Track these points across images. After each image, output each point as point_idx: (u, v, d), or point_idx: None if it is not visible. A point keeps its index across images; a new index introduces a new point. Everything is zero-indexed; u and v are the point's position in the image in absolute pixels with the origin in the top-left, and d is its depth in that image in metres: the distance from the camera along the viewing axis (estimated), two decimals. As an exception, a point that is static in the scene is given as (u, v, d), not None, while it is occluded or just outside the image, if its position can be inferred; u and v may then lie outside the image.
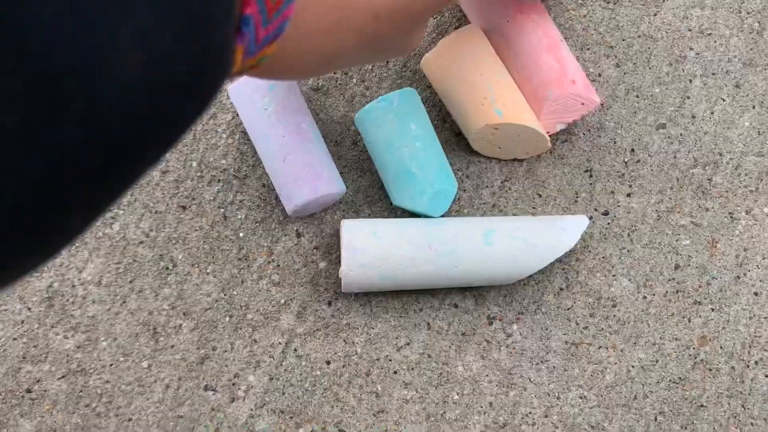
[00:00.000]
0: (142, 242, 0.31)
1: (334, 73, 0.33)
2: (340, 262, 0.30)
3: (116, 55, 0.12)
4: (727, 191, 0.32)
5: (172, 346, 0.31)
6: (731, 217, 0.32)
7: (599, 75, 0.33)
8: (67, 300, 0.31)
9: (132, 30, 0.12)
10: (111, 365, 0.30)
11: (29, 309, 0.31)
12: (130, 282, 0.31)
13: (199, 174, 0.32)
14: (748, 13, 0.34)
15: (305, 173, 0.29)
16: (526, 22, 0.30)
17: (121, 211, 0.32)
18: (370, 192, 0.32)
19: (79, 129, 0.12)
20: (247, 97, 0.30)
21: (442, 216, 0.30)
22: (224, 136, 0.32)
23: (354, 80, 0.33)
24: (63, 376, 0.30)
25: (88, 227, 0.14)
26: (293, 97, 0.30)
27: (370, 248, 0.29)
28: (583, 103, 0.30)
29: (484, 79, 0.29)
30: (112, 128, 0.12)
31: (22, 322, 0.31)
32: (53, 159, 0.12)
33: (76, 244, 0.31)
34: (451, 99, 0.30)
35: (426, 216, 0.30)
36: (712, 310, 0.31)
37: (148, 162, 0.14)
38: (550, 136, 0.31)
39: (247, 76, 0.29)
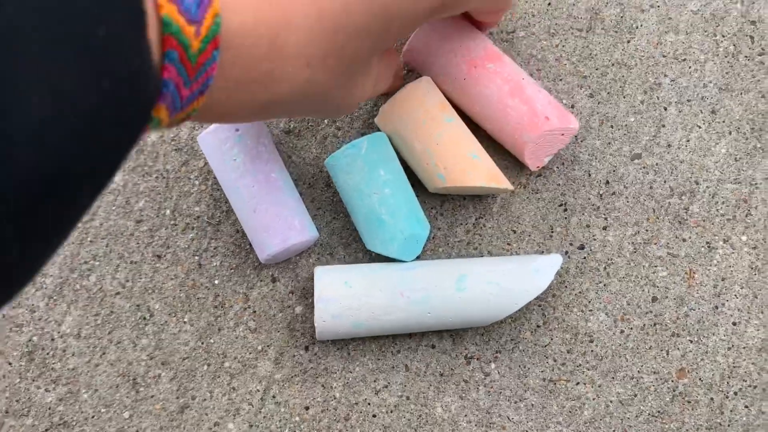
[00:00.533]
0: (118, 293, 0.32)
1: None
2: (314, 309, 0.30)
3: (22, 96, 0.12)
4: (704, 220, 0.32)
5: (152, 396, 0.31)
6: (709, 247, 0.32)
7: (572, 106, 0.33)
8: (48, 353, 0.31)
9: (35, 71, 0.13)
10: (93, 417, 0.31)
11: (10, 363, 0.31)
12: (109, 333, 0.31)
13: (173, 222, 0.32)
14: (723, 36, 0.33)
15: (276, 223, 0.29)
16: (482, 74, 0.29)
17: (97, 263, 0.32)
18: (344, 234, 0.32)
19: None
20: (216, 147, 0.30)
21: (416, 258, 0.30)
22: (197, 183, 0.32)
23: (326, 121, 0.33)
24: (46, 430, 0.31)
25: (31, 271, 0.14)
26: (262, 147, 0.30)
27: (343, 299, 0.29)
28: (563, 134, 0.30)
29: (423, 144, 0.29)
30: (31, 167, 0.13)
31: (4, 376, 0.31)
32: None
33: (54, 297, 0.31)
34: (404, 157, 0.30)
35: (399, 260, 0.30)
36: (690, 341, 0.31)
37: (80, 203, 0.15)
38: (539, 168, 0.31)
39: (215, 125, 0.29)
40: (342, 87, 0.23)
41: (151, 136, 0.32)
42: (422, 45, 0.30)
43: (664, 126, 0.33)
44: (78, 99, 0.14)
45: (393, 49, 0.29)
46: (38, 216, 0.13)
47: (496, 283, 0.29)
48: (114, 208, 0.32)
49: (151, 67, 0.16)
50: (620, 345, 0.31)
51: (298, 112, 0.24)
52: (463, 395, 0.31)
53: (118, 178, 0.32)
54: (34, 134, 0.13)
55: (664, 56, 0.33)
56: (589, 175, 0.33)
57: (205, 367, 0.31)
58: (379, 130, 0.31)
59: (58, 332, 0.31)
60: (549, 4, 0.33)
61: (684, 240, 0.32)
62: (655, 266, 0.32)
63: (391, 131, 0.30)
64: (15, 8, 0.13)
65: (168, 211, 0.32)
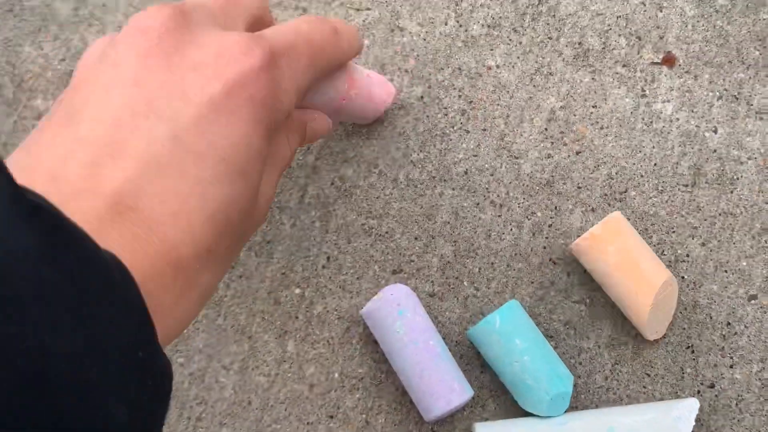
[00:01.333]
0: (299, 452, 0.36)
1: (446, 278, 0.37)
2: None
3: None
4: (824, 353, 0.35)
5: None
6: (833, 378, 0.35)
7: (687, 255, 0.37)
8: None
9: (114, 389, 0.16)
10: None
11: None
12: (293, 489, 0.36)
13: (341, 384, 0.36)
14: (819, 180, 0.37)
15: (438, 387, 0.33)
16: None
17: (278, 426, 0.36)
18: (492, 386, 0.36)
19: None
20: (379, 321, 0.34)
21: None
22: (358, 347, 0.37)
23: (465, 283, 0.37)
24: None
25: None
26: (419, 317, 0.35)
27: (506, 455, 0.32)
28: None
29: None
30: None
31: None
32: None
33: (243, 458, 0.36)
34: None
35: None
36: (828, 471, 0.34)
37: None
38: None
39: (377, 301, 0.34)
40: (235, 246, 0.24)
41: (317, 307, 0.37)
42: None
43: (774, 267, 0.36)
44: (141, 403, 0.18)
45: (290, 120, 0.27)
46: None
47: (642, 432, 0.32)
48: (289, 375, 0.37)
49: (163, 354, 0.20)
50: (760, 477, 0.34)
51: (232, 260, 0.25)
52: None
53: (291, 347, 0.37)
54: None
55: (766, 203, 0.37)
56: (711, 317, 0.36)
57: None
58: (506, 299, 0.35)
59: (249, 490, 0.36)
60: (655, 164, 0.38)
61: (808, 373, 0.35)
62: (784, 400, 0.35)
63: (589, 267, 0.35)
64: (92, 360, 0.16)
65: (336, 374, 0.37)
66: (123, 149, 0.21)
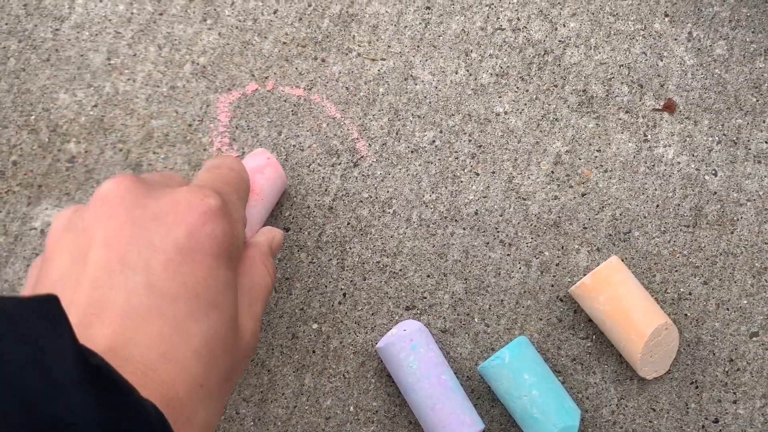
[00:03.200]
0: (315, 483, 0.37)
1: (458, 315, 0.39)
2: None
3: None
4: (825, 389, 0.36)
5: None
6: (834, 414, 0.36)
7: (690, 293, 0.38)
8: None
9: None
10: None
11: None
12: None
13: (356, 417, 0.38)
14: (816, 221, 0.38)
15: (450, 420, 0.35)
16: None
17: (296, 457, 0.37)
18: (502, 420, 0.37)
19: None
20: (393, 356, 0.36)
21: (572, 444, 0.35)
22: (373, 380, 0.38)
23: (476, 319, 0.39)
24: None
25: None
26: (432, 352, 0.36)
27: (517, 487, 0.33)
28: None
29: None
30: None
31: None
32: None
33: (262, 489, 0.37)
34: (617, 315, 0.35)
35: (559, 449, 0.35)
36: (832, 506, 0.34)
37: None
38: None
39: (391, 336, 0.35)
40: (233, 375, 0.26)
41: (333, 342, 0.39)
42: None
43: (775, 305, 0.37)
44: None
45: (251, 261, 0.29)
46: None
47: (648, 465, 0.33)
48: (306, 407, 0.38)
49: None
50: None
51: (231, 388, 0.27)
52: None
53: (308, 380, 0.38)
54: None
55: (766, 243, 0.38)
56: (713, 354, 0.37)
57: None
58: (516, 335, 0.37)
59: None
60: (657, 205, 0.39)
61: (810, 409, 0.36)
62: (787, 435, 0.36)
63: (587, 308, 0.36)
64: None
65: (351, 407, 0.38)
66: (105, 307, 0.23)
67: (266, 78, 0.43)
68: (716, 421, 0.36)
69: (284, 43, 0.43)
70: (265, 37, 0.44)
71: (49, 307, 0.18)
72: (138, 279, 0.23)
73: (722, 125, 0.40)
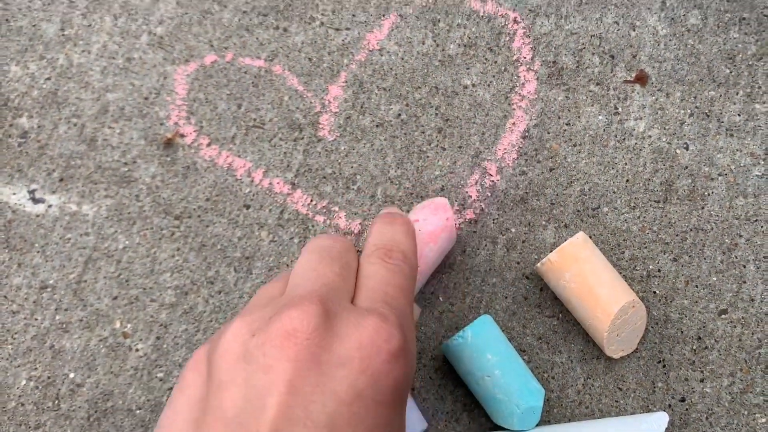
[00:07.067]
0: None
1: (422, 294, 0.38)
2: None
3: None
4: (794, 367, 0.35)
5: None
6: (802, 392, 0.35)
7: (659, 270, 0.37)
8: None
9: None
10: None
11: None
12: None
13: (317, 398, 0.37)
14: (789, 196, 0.37)
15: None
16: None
17: None
18: (466, 400, 0.36)
19: None
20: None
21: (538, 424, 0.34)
22: (335, 361, 0.37)
23: (440, 298, 0.38)
24: None
25: None
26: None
27: (478, 469, 0.33)
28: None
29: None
30: None
31: None
32: None
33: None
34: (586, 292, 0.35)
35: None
36: (797, 484, 0.34)
37: None
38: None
39: None
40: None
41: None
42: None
43: (745, 282, 0.37)
44: None
45: None
46: None
47: (612, 445, 0.33)
48: (267, 389, 0.37)
49: None
50: (730, 491, 0.34)
51: None
52: None
53: (269, 361, 0.37)
54: None
55: (736, 219, 0.37)
56: (682, 332, 0.36)
57: None
58: (481, 314, 0.36)
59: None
60: (627, 180, 0.38)
61: (778, 387, 0.35)
62: (754, 414, 0.35)
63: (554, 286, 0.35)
64: None
65: (313, 389, 0.37)
66: None
67: (225, 48, 0.41)
68: (683, 399, 0.35)
69: (244, 12, 0.42)
70: (225, 6, 0.42)
71: None
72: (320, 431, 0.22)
73: (695, 97, 0.39)
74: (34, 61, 0.41)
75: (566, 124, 0.39)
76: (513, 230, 0.38)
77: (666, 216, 0.38)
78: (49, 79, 0.41)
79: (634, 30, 0.40)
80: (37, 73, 0.41)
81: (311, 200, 0.39)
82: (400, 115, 0.40)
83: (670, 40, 0.40)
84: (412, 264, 0.29)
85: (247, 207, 0.39)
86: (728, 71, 0.39)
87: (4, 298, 0.37)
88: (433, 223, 0.33)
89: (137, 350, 0.37)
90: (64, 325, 0.37)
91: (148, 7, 0.42)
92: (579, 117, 0.39)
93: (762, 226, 0.37)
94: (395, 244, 0.29)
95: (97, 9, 0.42)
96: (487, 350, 0.34)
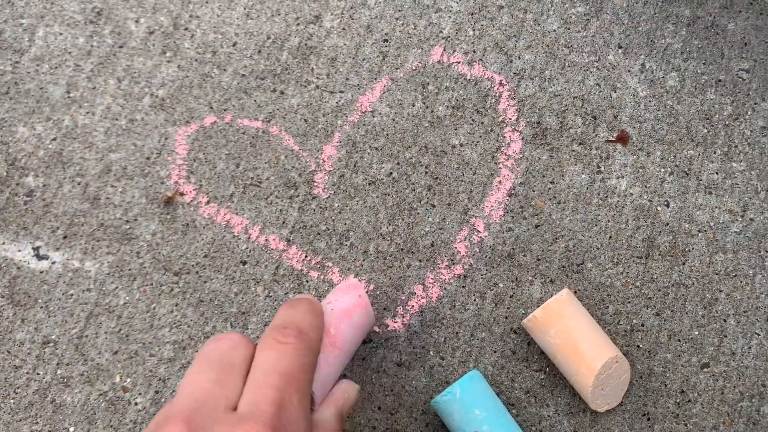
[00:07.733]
0: None
1: (413, 348, 0.39)
2: None
3: None
4: (775, 420, 0.36)
5: None
6: (783, 445, 0.36)
7: (642, 325, 0.38)
8: None
9: None
10: None
11: None
12: None
13: (311, 451, 0.38)
14: (767, 251, 0.39)
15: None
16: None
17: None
18: (457, 453, 0.37)
19: None
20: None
21: (524, 478, 0.35)
22: (328, 414, 0.38)
23: (431, 353, 0.39)
24: None
25: None
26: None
27: None
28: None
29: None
30: None
31: None
32: None
33: None
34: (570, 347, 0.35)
35: (510, 484, 0.35)
36: None
37: None
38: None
39: None
40: None
41: (288, 377, 0.39)
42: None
43: (726, 336, 0.38)
44: None
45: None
46: None
47: (597, 500, 0.33)
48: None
49: None
50: None
51: None
52: None
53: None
54: None
55: (716, 274, 0.39)
56: (665, 385, 0.37)
57: None
58: (471, 368, 0.37)
59: None
60: (610, 237, 0.40)
61: (760, 440, 0.36)
62: (737, 467, 0.36)
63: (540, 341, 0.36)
64: None
65: (306, 442, 0.38)
66: None
67: (225, 110, 0.43)
68: (668, 452, 0.36)
69: (243, 75, 0.44)
70: (224, 70, 0.44)
71: None
72: None
73: (674, 156, 0.41)
74: (40, 122, 0.43)
75: (551, 183, 0.41)
76: (501, 285, 0.39)
77: (648, 272, 0.39)
78: (54, 139, 0.43)
79: (615, 92, 0.42)
80: (43, 134, 0.43)
81: (306, 256, 0.40)
82: (391, 173, 0.41)
83: (650, 101, 0.42)
84: (309, 339, 0.29)
85: (244, 263, 0.40)
86: (706, 131, 0.41)
87: (8, 353, 0.39)
88: (345, 301, 0.34)
89: (136, 404, 0.38)
90: (66, 380, 0.38)
91: (150, 70, 0.44)
92: (563, 175, 0.41)
93: (741, 281, 0.38)
94: (291, 322, 0.29)
95: (102, 72, 0.44)
96: (476, 406, 0.35)
